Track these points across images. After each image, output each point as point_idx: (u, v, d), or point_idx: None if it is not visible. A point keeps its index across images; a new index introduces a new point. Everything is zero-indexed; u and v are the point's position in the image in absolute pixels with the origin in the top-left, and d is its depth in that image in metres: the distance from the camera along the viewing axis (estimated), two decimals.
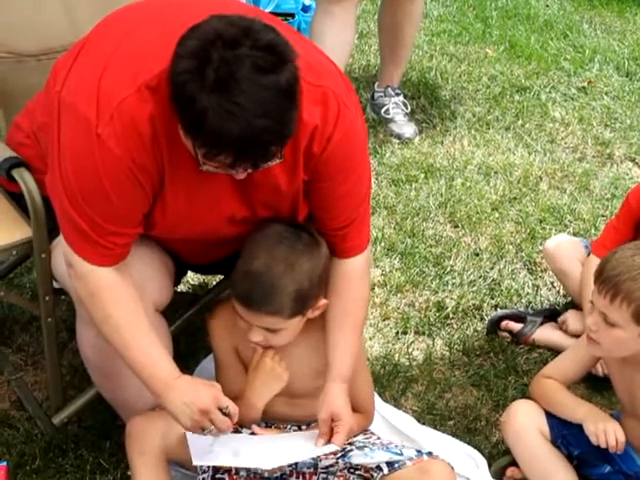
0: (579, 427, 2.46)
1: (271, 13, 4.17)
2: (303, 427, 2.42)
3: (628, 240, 2.98)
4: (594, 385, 2.88)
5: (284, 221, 2.24)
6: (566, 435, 2.48)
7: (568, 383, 2.56)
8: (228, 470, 2.31)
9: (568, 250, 3.15)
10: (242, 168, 1.95)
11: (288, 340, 2.30)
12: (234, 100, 1.81)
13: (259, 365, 2.33)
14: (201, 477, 2.32)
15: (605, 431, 2.35)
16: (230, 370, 2.40)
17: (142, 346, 2.16)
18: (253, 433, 2.35)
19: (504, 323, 3.13)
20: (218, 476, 2.32)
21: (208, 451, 2.23)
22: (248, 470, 2.30)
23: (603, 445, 2.35)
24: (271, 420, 2.42)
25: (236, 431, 2.33)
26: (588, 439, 2.44)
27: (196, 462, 2.22)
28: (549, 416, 2.50)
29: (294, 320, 2.24)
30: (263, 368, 2.33)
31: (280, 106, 1.86)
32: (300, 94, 1.92)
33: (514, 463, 2.55)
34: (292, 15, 4.96)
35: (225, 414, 2.14)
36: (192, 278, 3.22)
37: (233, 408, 2.16)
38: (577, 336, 3.00)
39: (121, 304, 2.16)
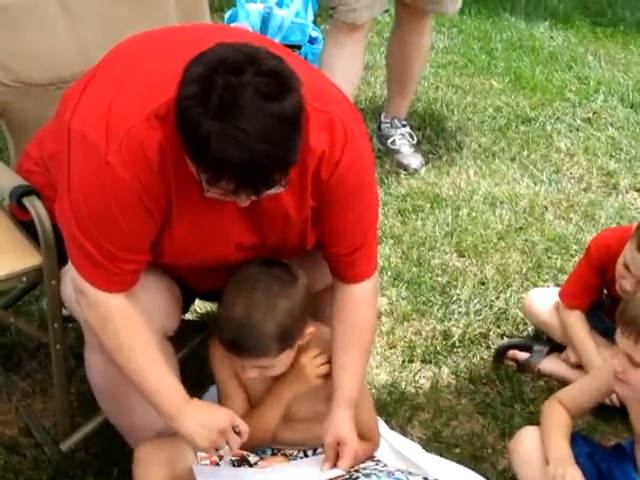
0: (586, 456, 2.46)
1: None
2: (309, 453, 2.42)
3: (595, 287, 3.03)
4: (601, 413, 2.87)
5: (259, 260, 2.25)
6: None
7: (578, 411, 2.54)
8: None
9: (542, 303, 3.17)
10: (244, 194, 1.95)
11: (283, 369, 2.33)
12: (237, 125, 1.82)
13: (296, 360, 2.35)
14: None
15: (563, 476, 2.31)
16: (231, 394, 2.40)
17: (154, 373, 2.18)
18: (256, 464, 2.36)
19: (510, 352, 3.13)
20: None
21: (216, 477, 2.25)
22: None
23: None
24: (273, 445, 2.43)
25: (243, 459, 2.35)
26: (595, 469, 2.44)
27: None
28: None
29: (283, 355, 2.26)
30: (299, 364, 2.36)
31: (283, 133, 1.86)
32: (306, 122, 1.93)
33: None
34: (299, 47, 4.99)
35: (237, 433, 2.19)
36: (200, 307, 3.23)
37: (244, 427, 2.21)
38: (579, 367, 3.02)
39: (132, 331, 2.17)
